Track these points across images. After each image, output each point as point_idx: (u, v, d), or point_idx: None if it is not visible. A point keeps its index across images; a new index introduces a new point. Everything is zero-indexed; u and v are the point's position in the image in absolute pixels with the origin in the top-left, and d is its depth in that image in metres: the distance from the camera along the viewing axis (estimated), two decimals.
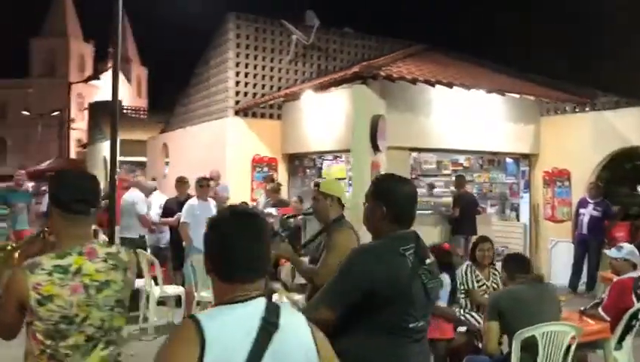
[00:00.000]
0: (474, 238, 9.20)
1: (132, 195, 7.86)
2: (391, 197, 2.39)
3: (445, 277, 4.83)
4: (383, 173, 8.41)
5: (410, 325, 2.29)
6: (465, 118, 9.53)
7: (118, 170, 12.18)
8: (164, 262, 7.70)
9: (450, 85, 8.31)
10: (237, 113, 11.22)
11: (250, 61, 11.41)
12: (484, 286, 5.30)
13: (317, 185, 3.73)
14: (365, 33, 13.14)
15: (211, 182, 10.33)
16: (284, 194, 11.14)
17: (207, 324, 1.53)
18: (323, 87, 8.92)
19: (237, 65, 11.27)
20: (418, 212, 8.08)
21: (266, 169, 11.41)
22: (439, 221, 9.65)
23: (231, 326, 1.55)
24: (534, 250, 10.48)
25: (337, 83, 8.36)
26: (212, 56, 12.05)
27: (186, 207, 7.16)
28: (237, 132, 11.13)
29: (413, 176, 11.34)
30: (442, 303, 4.80)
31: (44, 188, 16.24)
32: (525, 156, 10.62)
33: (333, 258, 3.34)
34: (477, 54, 12.76)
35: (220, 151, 11.25)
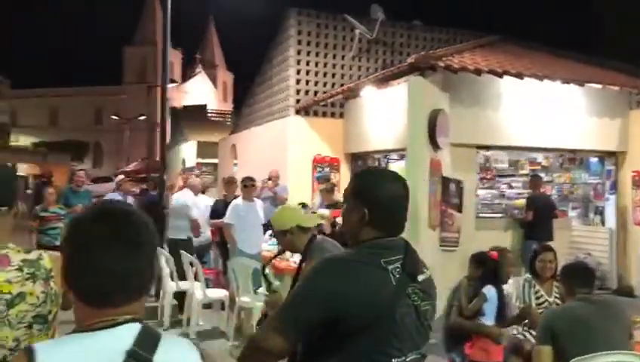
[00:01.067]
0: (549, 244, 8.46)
1: (183, 197, 7.73)
2: (374, 197, 1.88)
3: (490, 291, 4.22)
4: (443, 173, 7.80)
5: (394, 361, 1.75)
6: (540, 112, 8.67)
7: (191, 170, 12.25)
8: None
9: (519, 76, 7.54)
10: (298, 112, 10.93)
11: (312, 58, 11.09)
12: (546, 303, 4.59)
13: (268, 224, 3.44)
14: (436, 25, 12.47)
15: (269, 183, 10.12)
16: None
17: (45, 357, 1.15)
18: (380, 82, 8.41)
19: (298, 62, 10.99)
20: (488, 215, 7.41)
21: (327, 169, 11.05)
22: (510, 225, 8.85)
23: (81, 360, 1.16)
24: (622, 259, 9.38)
25: (395, 77, 7.82)
26: (274, 55, 11.85)
27: (230, 207, 6.91)
28: (298, 131, 10.85)
29: (489, 177, 10.57)
30: (489, 321, 4.19)
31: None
32: (611, 154, 9.54)
33: None
34: (558, 45, 11.74)
35: (281, 151, 11.01)
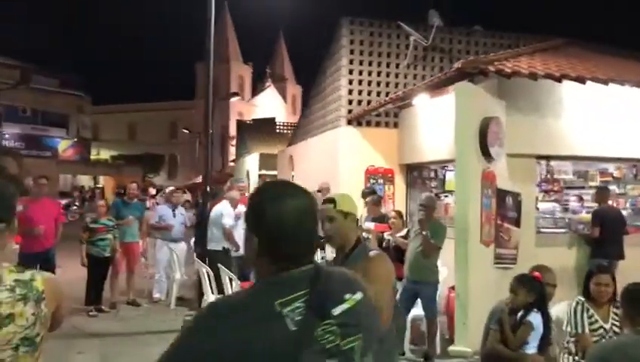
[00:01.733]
0: (620, 263, 7.72)
1: (221, 207, 7.63)
2: (262, 221, 1.50)
3: (537, 318, 3.77)
4: (498, 185, 7.29)
5: None
6: (608, 119, 7.98)
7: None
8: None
9: (580, 80, 6.94)
10: (350, 122, 10.67)
11: (365, 67, 10.82)
12: (601, 330, 4.08)
13: (331, 201, 2.97)
14: (498, 30, 11.89)
15: (319, 195, 9.89)
16: (401, 207, 10.38)
17: None
18: (430, 89, 8.01)
19: (350, 72, 10.75)
20: (551, 230, 6.80)
21: (381, 181, 10.71)
22: (575, 241, 8.18)
23: None
24: None
25: (443, 83, 7.41)
26: (328, 65, 11.67)
27: None
28: (350, 142, 10.58)
29: (556, 189, 9.90)
30: (531, 350, 3.74)
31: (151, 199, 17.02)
32: None
33: (383, 292, 2.57)
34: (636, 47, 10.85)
35: (333, 163, 10.78)
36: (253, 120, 36.44)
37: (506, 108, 7.51)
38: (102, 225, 7.96)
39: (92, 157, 48.34)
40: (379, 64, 10.85)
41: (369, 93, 10.78)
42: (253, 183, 22.64)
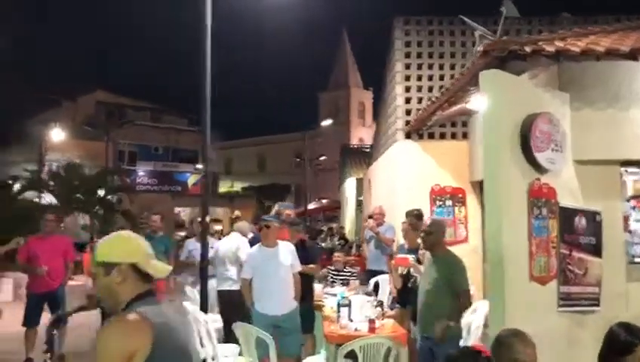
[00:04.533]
0: None
1: (233, 241, 6.63)
2: None
3: None
4: (560, 202, 5.55)
5: None
6: None
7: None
8: None
9: None
10: (409, 135, 9.26)
11: (424, 72, 9.38)
12: None
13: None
14: (593, 15, 9.85)
15: (370, 221, 8.64)
16: (475, 232, 8.79)
17: None
18: (464, 87, 6.43)
19: (407, 78, 9.38)
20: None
21: (449, 202, 9.13)
22: None
23: None
24: None
25: (474, 77, 5.81)
26: (386, 74, 10.38)
27: (246, 257, 5.58)
28: (408, 158, 9.16)
29: None
30: None
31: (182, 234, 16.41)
32: None
33: None
34: None
35: (393, 183, 9.42)
36: (370, 145, 35.61)
37: (570, 101, 5.78)
38: None
39: (225, 189, 50.39)
40: (440, 67, 9.36)
41: (430, 101, 9.30)
42: (350, 210, 21.53)
